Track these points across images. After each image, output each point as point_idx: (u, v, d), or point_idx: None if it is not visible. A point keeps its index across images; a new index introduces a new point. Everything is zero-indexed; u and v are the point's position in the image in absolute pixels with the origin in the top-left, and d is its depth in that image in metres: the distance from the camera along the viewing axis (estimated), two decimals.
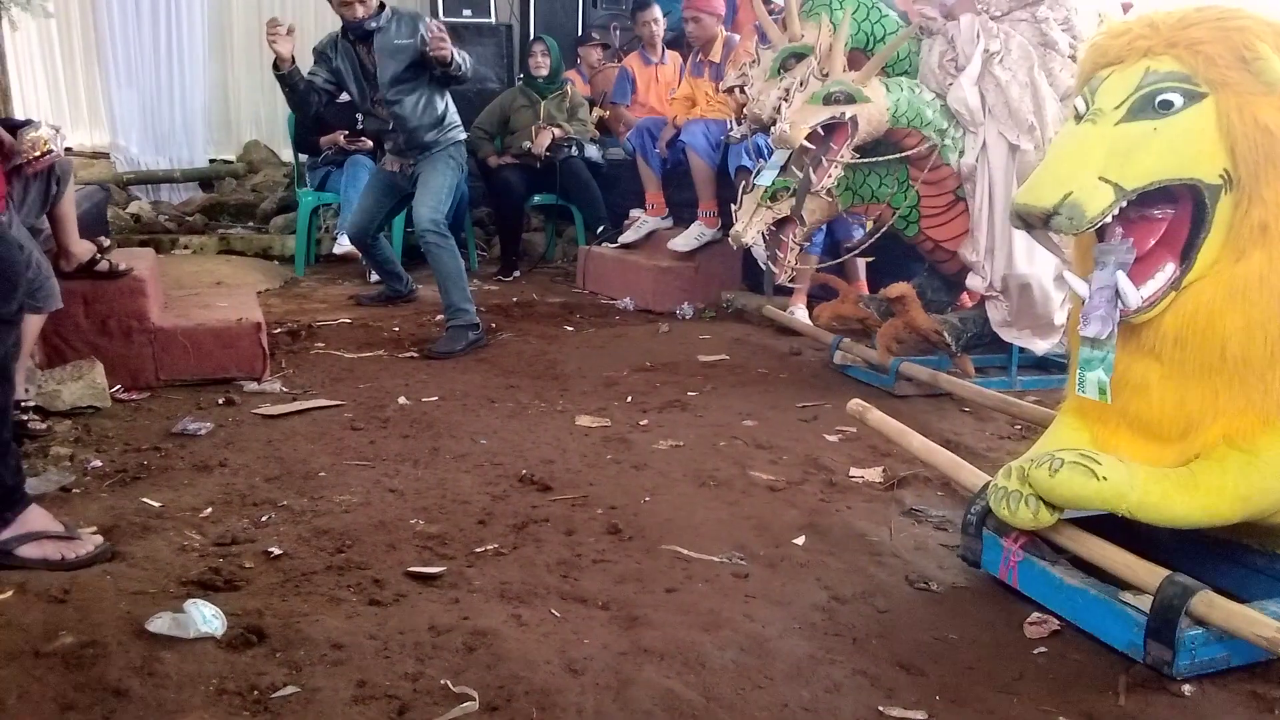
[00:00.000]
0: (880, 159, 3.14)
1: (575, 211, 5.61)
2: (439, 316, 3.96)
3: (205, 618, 1.55)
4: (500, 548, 1.98)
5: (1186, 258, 1.62)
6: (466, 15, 6.64)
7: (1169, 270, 1.63)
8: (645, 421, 2.91)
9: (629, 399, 3.14)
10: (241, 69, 6.66)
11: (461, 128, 4.08)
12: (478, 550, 1.96)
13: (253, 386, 3.09)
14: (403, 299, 4.57)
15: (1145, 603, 1.56)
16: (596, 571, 1.90)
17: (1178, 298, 1.63)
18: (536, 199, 5.61)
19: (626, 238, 5.05)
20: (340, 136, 5.27)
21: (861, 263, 4.26)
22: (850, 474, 2.50)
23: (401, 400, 3.03)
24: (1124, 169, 1.56)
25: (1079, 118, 1.67)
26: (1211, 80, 1.54)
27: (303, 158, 5.58)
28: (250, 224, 6.24)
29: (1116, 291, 1.64)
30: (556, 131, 5.43)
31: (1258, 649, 1.46)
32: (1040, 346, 3.20)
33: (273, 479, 2.34)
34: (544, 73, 5.58)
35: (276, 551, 1.91)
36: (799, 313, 4.14)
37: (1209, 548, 1.83)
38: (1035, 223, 1.64)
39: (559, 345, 3.89)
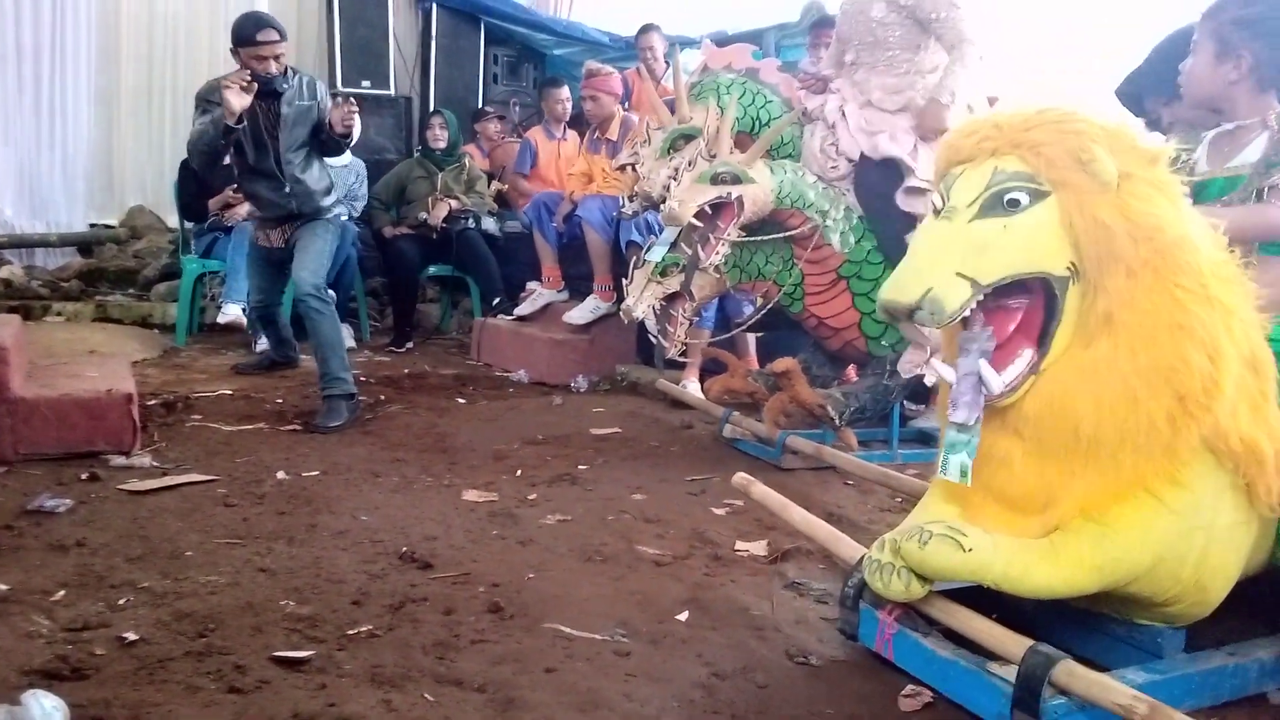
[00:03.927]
0: (766, 238, 3.25)
1: (471, 283, 5.60)
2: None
3: (45, 710, 1.45)
4: (374, 629, 1.92)
5: (1042, 344, 1.69)
6: (365, 86, 6.66)
7: (1027, 356, 1.70)
8: (534, 496, 2.88)
9: (518, 473, 3.11)
10: (128, 130, 6.47)
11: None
12: (350, 632, 1.89)
13: (120, 461, 2.95)
14: (287, 364, 4.45)
15: (1012, 673, 1.60)
16: (474, 652, 1.85)
17: (1036, 381, 1.70)
18: (432, 270, 5.59)
19: (522, 310, 5.06)
20: (230, 192, 5.12)
21: (752, 338, 4.37)
22: (736, 547, 2.52)
23: (280, 475, 2.93)
24: (979, 264, 1.63)
25: (937, 213, 1.76)
26: (1053, 180, 1.63)
27: (189, 225, 5.44)
28: (131, 291, 6.03)
29: (980, 378, 1.71)
30: (453, 203, 5.45)
31: (1118, 716, 1.51)
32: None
33: (134, 559, 2.22)
34: (442, 145, 5.62)
35: (132, 637, 1.81)
36: (692, 386, 4.20)
37: (1074, 617, 1.90)
38: (901, 316, 1.70)
39: (450, 418, 3.84)
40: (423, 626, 1.96)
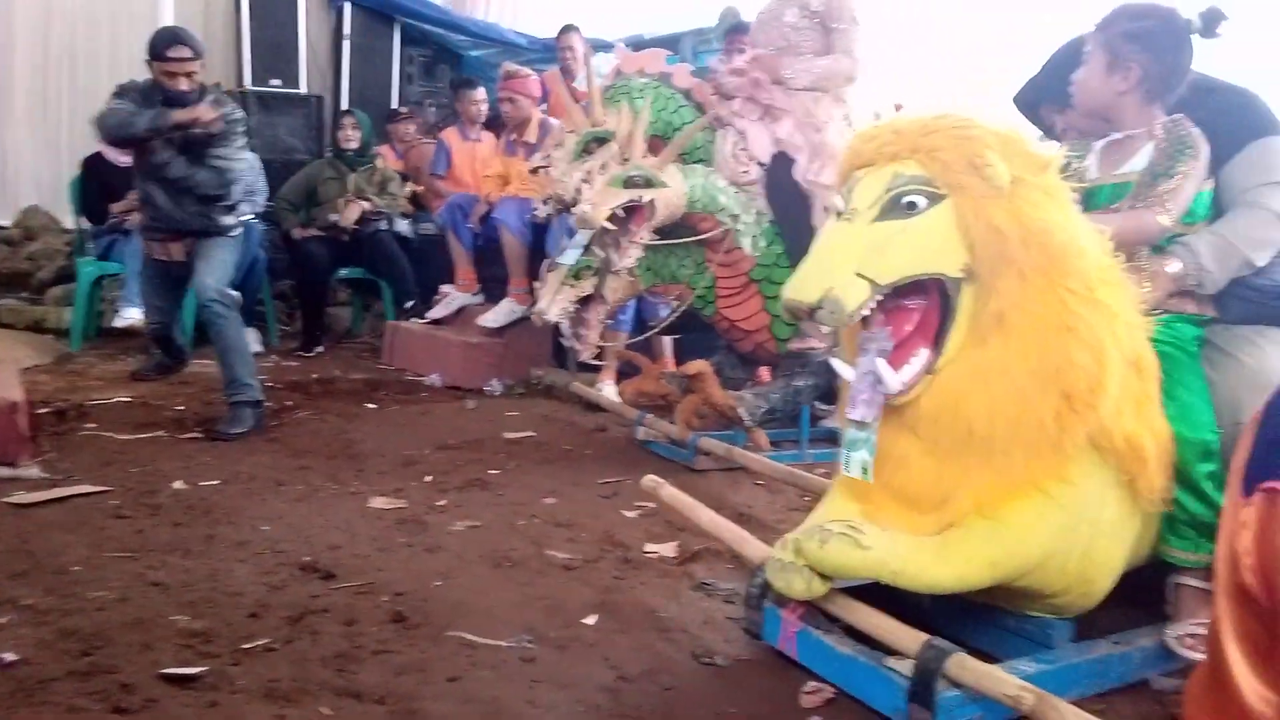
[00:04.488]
0: (678, 241, 3.27)
1: (383, 286, 5.51)
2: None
3: None
4: (271, 643, 1.86)
5: (938, 344, 1.73)
6: (275, 85, 6.50)
7: (923, 356, 1.73)
8: (443, 502, 2.84)
9: (428, 479, 3.06)
10: (23, 128, 6.19)
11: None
12: (245, 646, 1.83)
13: (6, 473, 2.81)
14: (177, 364, 4.26)
15: (908, 668, 1.64)
16: (376, 664, 1.81)
17: (932, 381, 1.74)
18: (343, 272, 5.49)
19: (435, 313, 5.00)
20: (133, 197, 4.92)
21: (668, 340, 4.39)
22: (646, 550, 2.52)
23: (177, 485, 2.83)
24: (878, 265, 1.67)
25: (839, 215, 1.79)
26: (949, 184, 1.68)
27: (86, 226, 5.23)
28: (23, 295, 5.76)
29: (878, 376, 1.74)
30: (365, 205, 5.35)
31: (1008, 708, 1.55)
32: None
33: (18, 575, 2.12)
34: (354, 146, 5.52)
35: (11, 658, 1.72)
36: (608, 389, 4.20)
37: (970, 611, 1.95)
38: (802, 315, 1.72)
39: (359, 424, 3.77)
40: (322, 638, 1.91)
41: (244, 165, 3.83)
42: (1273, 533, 0.73)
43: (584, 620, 2.07)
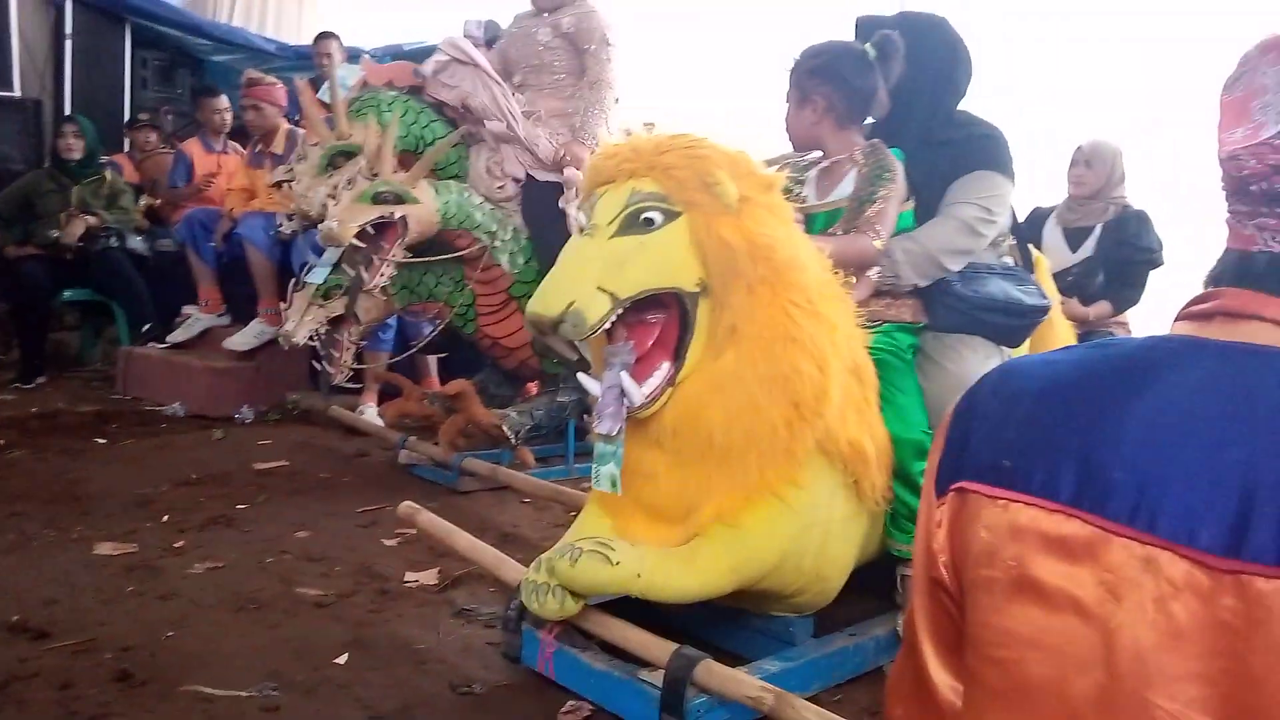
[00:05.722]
0: (434, 259, 3.19)
1: (116, 308, 5.03)
2: None
3: None
4: None
5: (678, 357, 1.78)
6: None
7: (665, 369, 1.77)
8: (181, 543, 2.62)
9: (165, 518, 2.82)
10: None
11: None
12: None
13: None
14: None
15: (660, 678, 1.66)
16: None
17: (674, 393, 1.78)
18: (68, 294, 4.97)
19: (176, 337, 4.63)
20: None
21: (433, 360, 4.29)
22: (405, 579, 2.43)
23: None
24: (618, 279, 1.69)
25: (582, 231, 1.80)
26: (684, 201, 1.73)
27: None
28: None
29: (623, 390, 1.77)
30: (92, 220, 4.88)
31: (752, 709, 1.61)
32: None
33: None
34: (76, 155, 5.02)
35: None
36: (369, 412, 4.04)
37: (721, 615, 2.01)
38: (546, 329, 1.72)
39: (85, 461, 3.42)
40: (30, 708, 1.71)
41: None
42: (962, 529, 0.78)
43: (335, 660, 1.97)
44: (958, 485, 0.78)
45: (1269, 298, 0.70)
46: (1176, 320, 0.77)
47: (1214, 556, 0.64)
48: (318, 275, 3.07)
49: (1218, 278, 0.75)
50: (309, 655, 1.98)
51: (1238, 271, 0.73)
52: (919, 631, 0.86)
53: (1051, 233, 3.83)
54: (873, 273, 2.06)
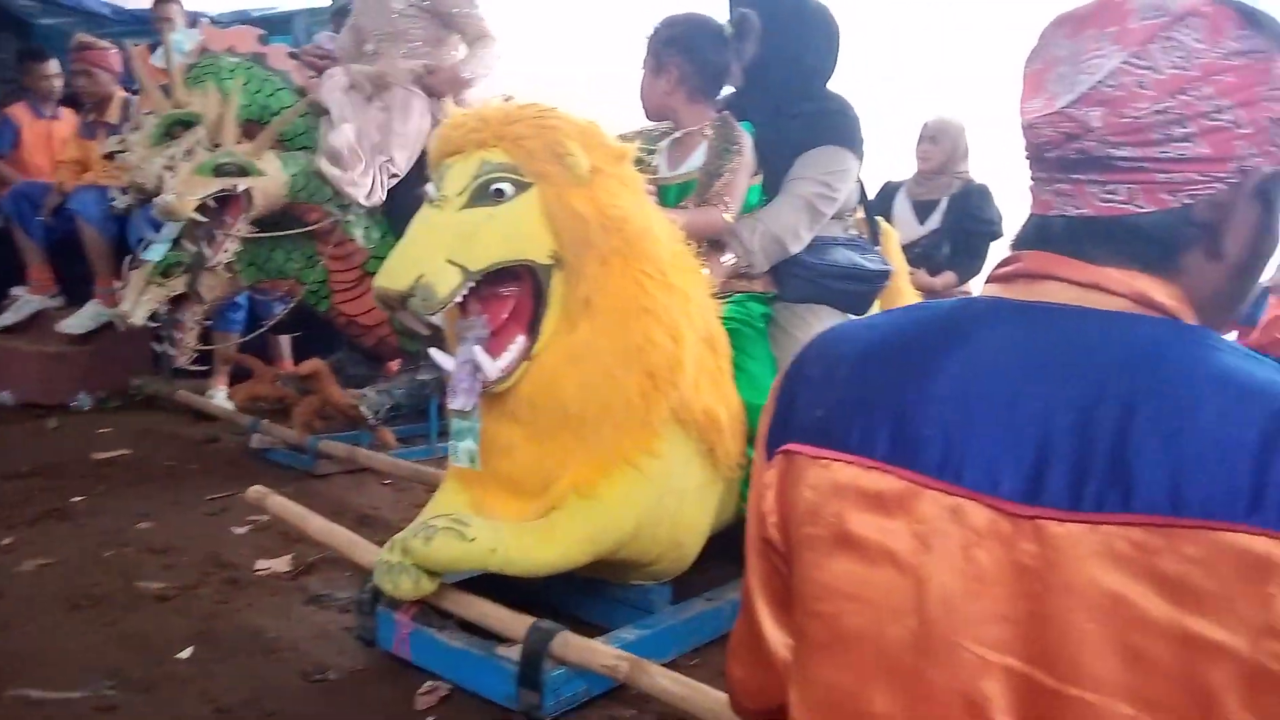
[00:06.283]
0: (283, 234, 3.06)
1: None
2: None
3: None
4: None
5: (533, 330, 1.76)
6: None
7: (520, 342, 1.76)
8: (9, 540, 2.44)
9: None
10: None
11: None
12: None
13: None
14: None
15: (517, 653, 1.65)
16: None
17: (529, 366, 1.76)
18: None
19: (4, 320, 4.29)
20: None
21: (287, 340, 4.13)
22: (256, 567, 2.34)
23: None
24: (468, 252, 1.66)
25: (430, 202, 1.75)
26: (534, 172, 1.71)
27: None
28: None
29: (477, 364, 1.74)
30: None
31: (608, 678, 1.62)
32: None
33: None
34: None
35: None
36: (219, 396, 3.86)
37: (582, 587, 2.02)
38: (395, 304, 1.67)
39: None
40: None
41: None
42: (789, 490, 0.79)
43: (178, 655, 1.88)
44: (785, 447, 0.80)
45: (1064, 259, 0.74)
46: (985, 283, 0.80)
47: (1013, 503, 0.67)
48: (156, 252, 2.91)
49: (1019, 241, 0.78)
50: (150, 651, 1.89)
51: (1037, 235, 0.77)
52: (753, 592, 0.87)
53: (901, 206, 3.98)
54: (727, 258, 2.08)
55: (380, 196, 3.03)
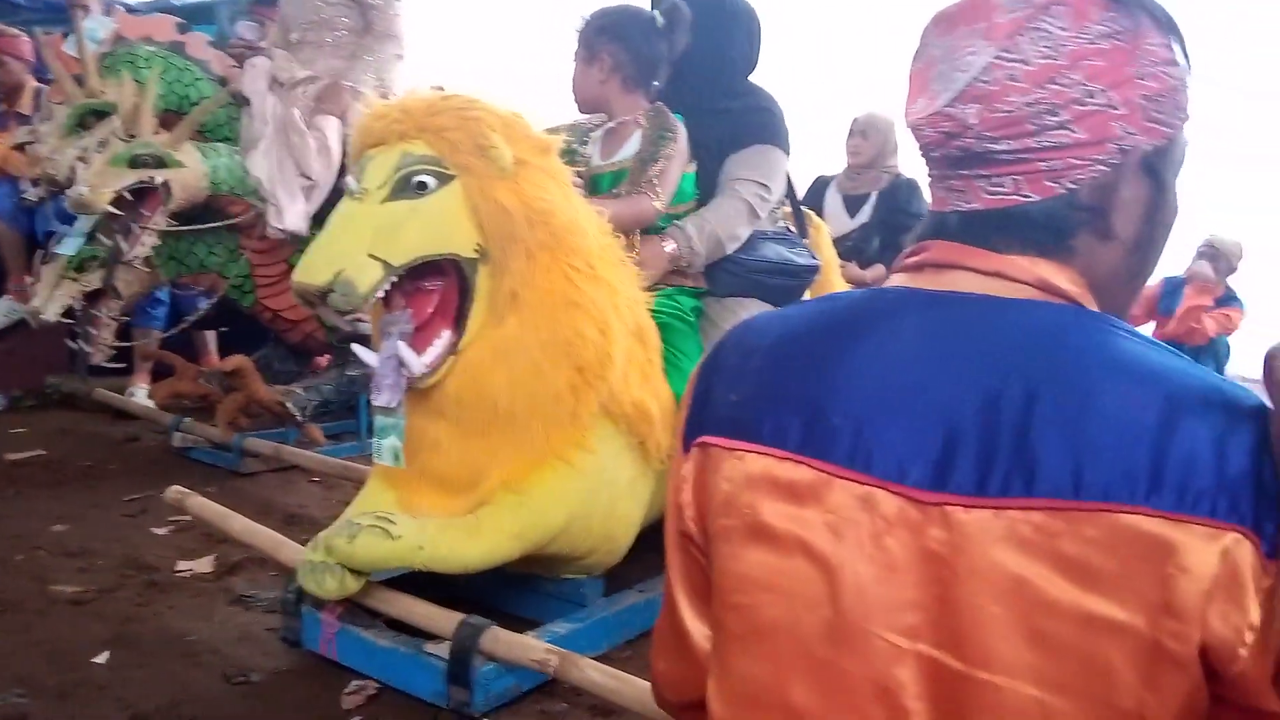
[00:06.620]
0: (204, 227, 2.98)
1: None
2: None
3: None
4: None
5: (459, 325, 1.74)
6: None
7: (446, 337, 1.73)
8: None
9: None
10: None
11: None
12: None
13: None
14: None
15: (446, 650, 1.64)
16: None
17: (456, 361, 1.74)
18: None
19: None
20: None
21: (212, 336, 4.02)
22: (177, 569, 2.28)
23: None
24: (390, 246, 1.63)
25: (351, 195, 1.72)
26: (458, 164, 1.68)
27: None
28: None
29: (401, 360, 1.71)
30: None
31: (539, 673, 1.61)
32: None
33: None
34: None
35: None
36: (140, 394, 3.75)
37: (513, 582, 2.00)
38: (314, 300, 1.64)
39: None
40: None
41: None
42: (706, 483, 0.79)
43: (94, 660, 1.82)
44: (700, 440, 0.80)
45: (969, 248, 0.75)
46: (893, 273, 0.81)
47: (922, 491, 0.67)
48: (69, 246, 2.81)
49: (921, 235, 0.79)
50: (64, 657, 1.83)
51: (935, 231, 0.78)
52: (674, 585, 0.87)
53: (832, 200, 4.02)
54: (668, 246, 2.08)
55: (304, 226, 2.92)
